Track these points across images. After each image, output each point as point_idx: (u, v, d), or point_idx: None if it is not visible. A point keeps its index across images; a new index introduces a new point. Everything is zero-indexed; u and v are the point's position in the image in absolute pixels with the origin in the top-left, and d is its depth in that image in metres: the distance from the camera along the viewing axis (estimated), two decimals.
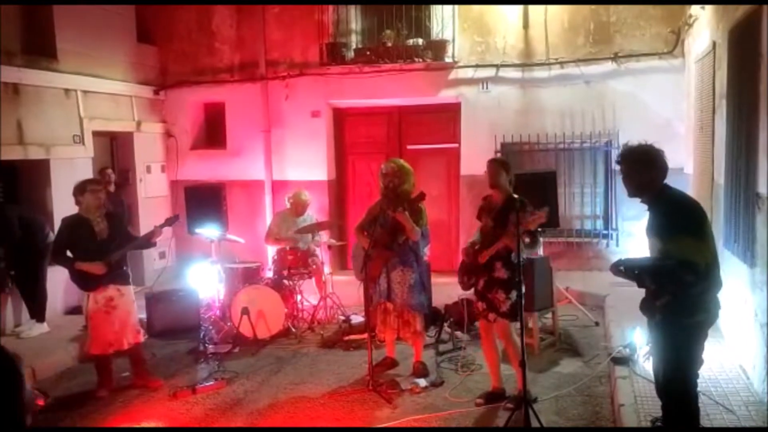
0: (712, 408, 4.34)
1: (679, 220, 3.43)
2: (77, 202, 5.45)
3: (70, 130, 8.24)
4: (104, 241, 5.39)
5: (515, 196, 4.55)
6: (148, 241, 5.72)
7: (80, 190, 5.44)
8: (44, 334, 6.94)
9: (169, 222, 5.75)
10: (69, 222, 5.47)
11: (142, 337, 5.70)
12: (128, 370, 5.84)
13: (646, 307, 3.65)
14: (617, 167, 3.75)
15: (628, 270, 3.53)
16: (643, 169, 3.57)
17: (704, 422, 4.06)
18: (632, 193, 3.69)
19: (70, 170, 8.09)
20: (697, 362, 3.61)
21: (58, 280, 7.73)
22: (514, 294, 4.69)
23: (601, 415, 4.77)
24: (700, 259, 3.34)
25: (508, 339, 4.83)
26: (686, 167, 7.84)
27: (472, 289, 5.04)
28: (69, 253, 5.43)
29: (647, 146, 3.65)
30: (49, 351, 6.45)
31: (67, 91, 8.24)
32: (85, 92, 8.47)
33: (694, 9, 7.12)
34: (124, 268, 5.58)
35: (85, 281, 5.41)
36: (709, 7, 6.45)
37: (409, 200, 5.41)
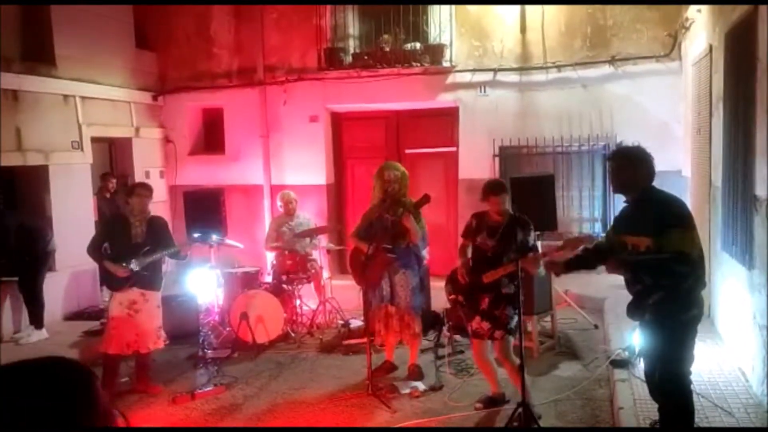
0: (711, 410, 4.34)
1: (671, 215, 3.57)
2: (125, 203, 5.69)
3: (68, 136, 8.26)
4: (137, 245, 5.49)
5: (516, 213, 4.63)
6: (178, 252, 5.77)
7: (129, 192, 5.71)
8: (43, 341, 6.93)
9: (200, 239, 6.23)
10: (110, 219, 5.78)
11: (162, 343, 5.73)
12: (128, 374, 5.85)
13: (634, 308, 3.72)
14: (608, 164, 3.95)
15: (623, 266, 3.60)
16: (630, 166, 3.72)
17: (703, 425, 4.08)
18: (617, 190, 3.86)
19: (68, 176, 8.13)
20: (692, 358, 3.66)
21: (57, 286, 7.76)
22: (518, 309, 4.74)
23: (601, 419, 4.77)
24: (692, 249, 3.49)
25: (508, 358, 4.75)
26: (684, 170, 7.85)
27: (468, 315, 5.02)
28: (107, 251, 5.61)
29: (637, 147, 3.91)
30: None
31: (65, 97, 8.25)
32: (83, 98, 8.49)
33: (691, 12, 7.14)
34: (153, 273, 5.59)
35: (110, 280, 5.54)
36: (705, 10, 6.47)
37: (413, 204, 5.42)
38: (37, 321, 7.02)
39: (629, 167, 3.71)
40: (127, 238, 5.49)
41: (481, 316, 4.77)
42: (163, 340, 5.72)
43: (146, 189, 5.73)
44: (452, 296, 5.01)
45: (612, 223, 3.95)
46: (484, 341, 4.84)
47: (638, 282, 3.63)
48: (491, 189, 4.72)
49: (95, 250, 5.59)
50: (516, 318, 4.68)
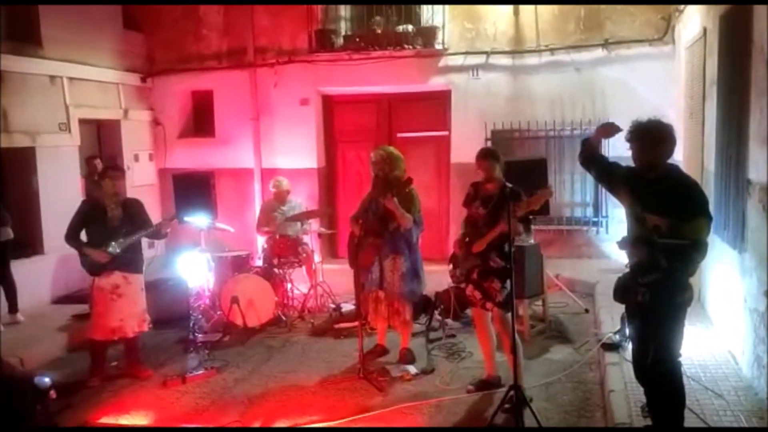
0: (702, 393, 4.37)
1: (699, 202, 3.48)
2: (99, 187, 5.62)
3: (55, 118, 8.14)
4: (115, 228, 5.44)
5: (509, 185, 4.55)
6: (158, 232, 5.74)
7: (102, 175, 5.64)
8: (29, 325, 6.85)
9: (178, 217, 6.11)
10: (85, 205, 5.63)
11: (147, 326, 5.71)
12: (117, 359, 5.82)
13: (624, 289, 3.68)
14: (631, 144, 3.62)
15: (643, 246, 3.50)
16: (658, 144, 3.54)
17: (693, 407, 4.09)
18: (644, 169, 3.62)
19: (56, 158, 8.04)
20: (682, 340, 3.66)
21: (45, 270, 7.70)
22: (508, 283, 4.70)
23: (591, 402, 4.79)
24: (708, 238, 3.48)
25: (504, 327, 4.75)
26: (676, 154, 7.83)
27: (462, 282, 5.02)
28: (84, 237, 5.52)
29: (659, 122, 3.61)
30: (38, 340, 6.40)
31: (52, 78, 8.12)
32: (70, 79, 8.36)
33: None
34: (133, 255, 5.56)
35: (90, 266, 5.46)
36: None
37: (397, 187, 5.37)
38: (10, 305, 6.92)
39: (657, 145, 3.53)
40: (104, 223, 5.43)
41: (473, 284, 4.89)
42: (147, 324, 5.70)
43: (118, 171, 5.73)
44: (453, 273, 5.04)
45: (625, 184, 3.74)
46: (484, 312, 4.89)
47: (651, 263, 3.49)
48: (477, 154, 4.93)
49: (73, 237, 5.49)
50: (505, 292, 4.69)
